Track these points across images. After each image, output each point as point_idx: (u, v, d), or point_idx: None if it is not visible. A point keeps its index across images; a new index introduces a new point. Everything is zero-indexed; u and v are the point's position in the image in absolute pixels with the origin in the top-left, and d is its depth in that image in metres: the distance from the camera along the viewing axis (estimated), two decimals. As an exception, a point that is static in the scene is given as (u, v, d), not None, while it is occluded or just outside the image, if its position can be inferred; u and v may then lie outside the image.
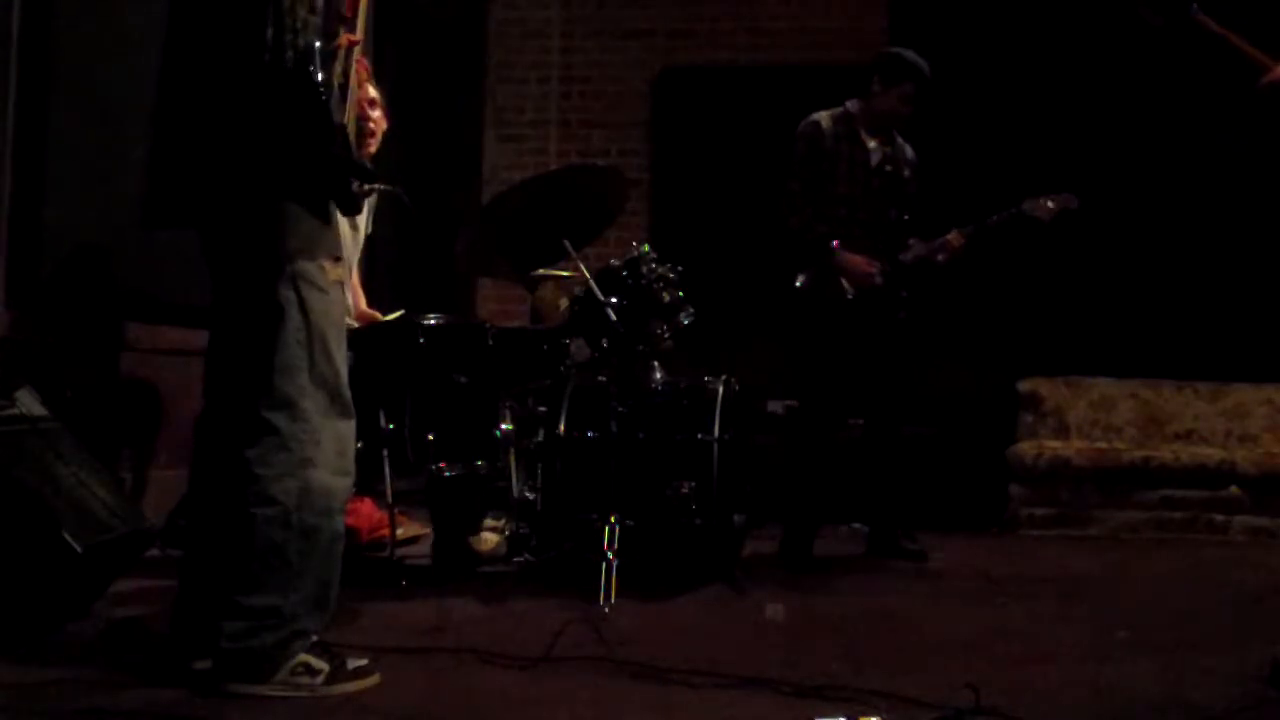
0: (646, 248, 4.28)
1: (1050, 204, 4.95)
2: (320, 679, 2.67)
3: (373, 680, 2.74)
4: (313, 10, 2.70)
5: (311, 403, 2.72)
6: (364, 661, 2.77)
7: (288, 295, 2.71)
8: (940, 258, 4.95)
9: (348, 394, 2.82)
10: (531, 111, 7.89)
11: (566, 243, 4.24)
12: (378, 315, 4.43)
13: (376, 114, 4.25)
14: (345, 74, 2.76)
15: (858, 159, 4.93)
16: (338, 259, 2.84)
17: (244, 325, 2.78)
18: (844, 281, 4.85)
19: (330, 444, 2.74)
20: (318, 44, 2.68)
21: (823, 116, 4.96)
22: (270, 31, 2.65)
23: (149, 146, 2.78)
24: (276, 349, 2.70)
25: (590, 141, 7.77)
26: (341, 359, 2.81)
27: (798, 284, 4.93)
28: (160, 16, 2.90)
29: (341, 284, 2.85)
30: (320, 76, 2.69)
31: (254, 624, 2.65)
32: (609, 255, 4.56)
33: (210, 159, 2.70)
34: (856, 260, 4.83)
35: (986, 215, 4.96)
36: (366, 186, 2.90)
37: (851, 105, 4.99)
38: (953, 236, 4.95)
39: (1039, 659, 3.21)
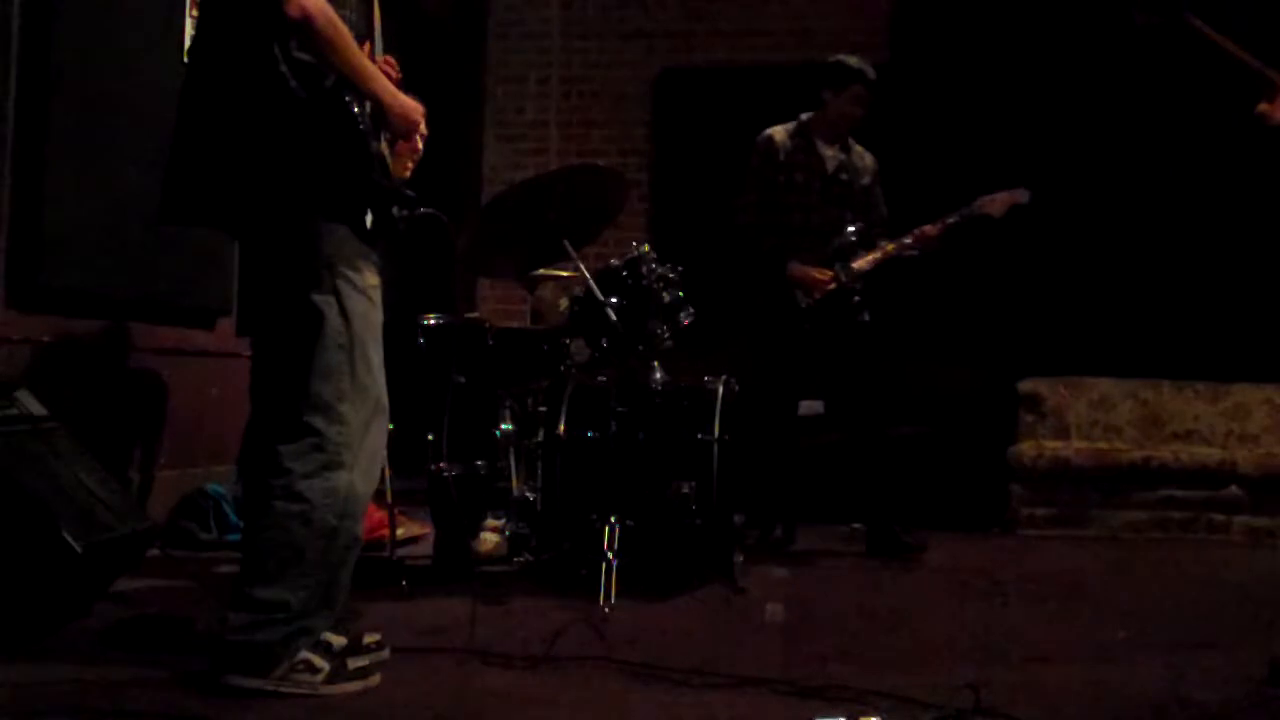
0: (646, 248, 4.28)
1: (1000, 199, 5.04)
2: (320, 677, 2.67)
3: (373, 680, 2.75)
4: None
5: (350, 408, 2.74)
6: (365, 662, 2.77)
7: (328, 300, 2.73)
8: (869, 267, 5.07)
9: (386, 400, 2.85)
10: (531, 111, 7.89)
11: (566, 243, 4.24)
12: None
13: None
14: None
15: (814, 168, 5.11)
16: (375, 264, 2.85)
17: (284, 331, 2.79)
18: (798, 292, 5.02)
19: (365, 450, 2.77)
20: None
21: (777, 130, 5.16)
22: (300, 60, 2.65)
23: (171, 142, 2.78)
24: (316, 354, 2.72)
25: (590, 141, 7.77)
26: (380, 364, 2.83)
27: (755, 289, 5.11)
28: (160, 18, 2.89)
29: (378, 288, 2.85)
30: (357, 108, 2.70)
31: (260, 617, 2.66)
32: (609, 255, 4.56)
33: (240, 168, 2.70)
34: (807, 271, 5.00)
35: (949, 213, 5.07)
36: (408, 211, 2.91)
37: (805, 117, 5.15)
38: (882, 246, 5.08)
39: (1039, 659, 3.22)
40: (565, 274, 4.75)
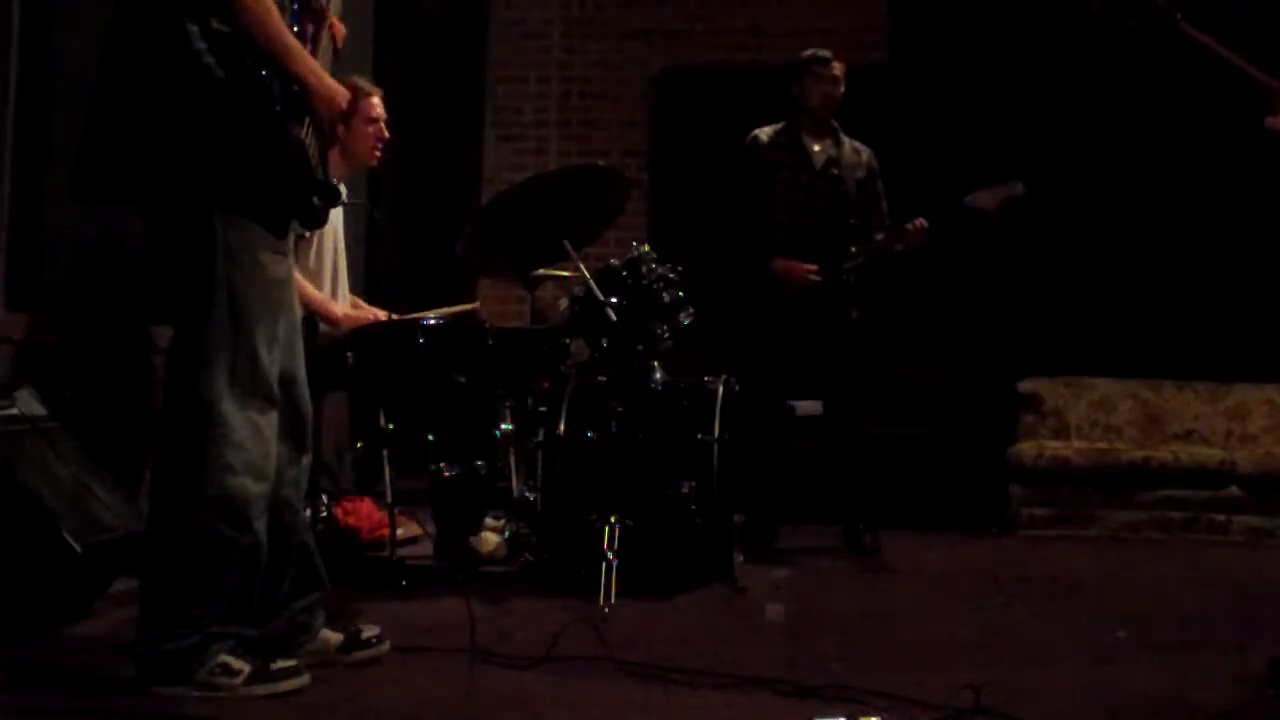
0: (646, 248, 4.29)
1: (994, 194, 5.02)
2: (240, 679, 2.62)
3: (301, 680, 2.68)
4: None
5: (231, 405, 2.65)
6: (292, 662, 2.72)
7: (218, 295, 2.64)
8: (860, 262, 5.11)
9: (274, 390, 2.73)
10: (531, 111, 7.88)
11: (566, 243, 4.24)
12: (368, 316, 4.39)
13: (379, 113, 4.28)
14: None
15: (800, 164, 5.15)
16: (282, 255, 2.77)
17: (176, 325, 2.73)
18: (786, 286, 5.05)
19: (251, 446, 2.68)
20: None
21: (763, 130, 5.23)
22: (221, 33, 2.59)
23: (86, 123, 2.72)
24: (201, 346, 2.65)
25: (590, 141, 7.77)
26: (272, 358, 2.72)
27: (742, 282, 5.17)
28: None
29: (283, 282, 2.77)
30: (277, 89, 2.63)
31: (167, 630, 2.61)
32: (609, 255, 4.56)
33: (146, 150, 2.62)
34: (790, 266, 5.03)
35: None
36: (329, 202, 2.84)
37: (791, 118, 5.20)
38: (872, 242, 5.10)
39: (1039, 659, 3.22)
40: (565, 274, 4.75)
